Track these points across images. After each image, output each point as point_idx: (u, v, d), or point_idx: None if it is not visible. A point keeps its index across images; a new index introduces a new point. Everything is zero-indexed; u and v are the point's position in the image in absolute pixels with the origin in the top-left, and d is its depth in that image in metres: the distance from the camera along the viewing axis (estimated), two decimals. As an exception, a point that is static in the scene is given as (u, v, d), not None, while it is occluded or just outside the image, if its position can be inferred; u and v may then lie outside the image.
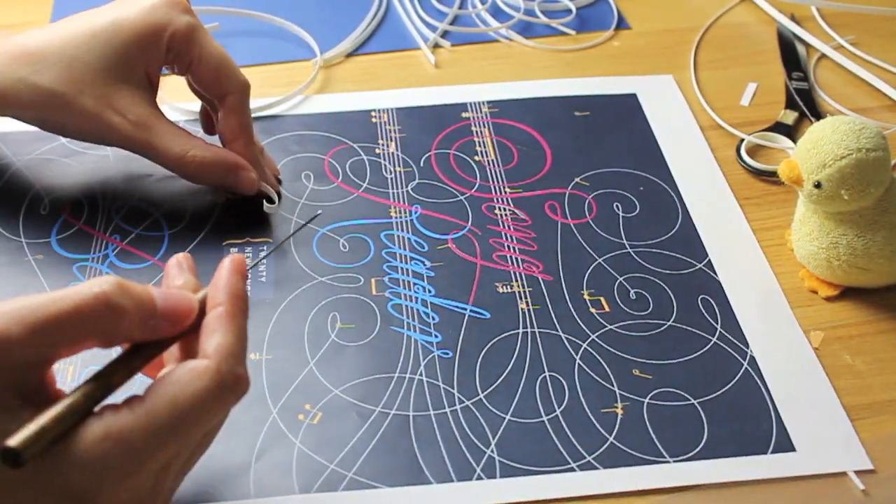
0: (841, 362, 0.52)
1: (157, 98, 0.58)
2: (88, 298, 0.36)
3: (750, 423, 0.49)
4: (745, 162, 0.65)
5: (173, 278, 0.43)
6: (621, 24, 0.79)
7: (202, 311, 0.41)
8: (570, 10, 0.79)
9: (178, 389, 0.37)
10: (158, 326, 0.39)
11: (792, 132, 0.68)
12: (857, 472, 0.47)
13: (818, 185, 0.53)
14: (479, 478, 0.46)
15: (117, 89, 0.54)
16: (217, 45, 0.57)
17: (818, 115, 0.69)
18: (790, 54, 0.75)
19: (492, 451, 0.47)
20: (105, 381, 0.38)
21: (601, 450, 0.48)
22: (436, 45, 0.76)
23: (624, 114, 0.69)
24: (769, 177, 0.64)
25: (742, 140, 0.67)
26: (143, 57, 0.55)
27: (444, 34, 0.77)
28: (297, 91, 0.69)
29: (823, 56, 0.75)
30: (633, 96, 0.70)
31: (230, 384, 0.38)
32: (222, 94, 0.57)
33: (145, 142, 0.55)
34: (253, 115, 0.60)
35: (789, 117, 0.69)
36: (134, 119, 0.54)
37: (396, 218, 0.60)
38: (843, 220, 0.54)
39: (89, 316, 0.36)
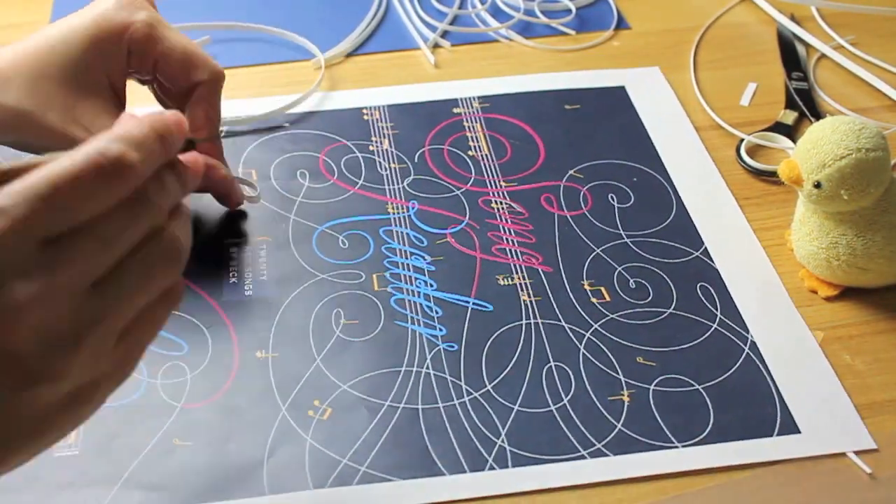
0: (841, 362, 0.53)
1: (129, 108, 0.55)
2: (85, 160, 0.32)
3: (754, 406, 0.50)
4: (744, 162, 0.65)
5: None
6: (621, 24, 0.79)
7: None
8: (569, 10, 0.79)
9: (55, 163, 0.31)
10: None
11: (792, 132, 0.68)
12: (863, 456, 0.47)
13: (818, 185, 0.53)
14: (492, 468, 0.47)
15: (81, 102, 0.52)
16: (181, 35, 0.55)
17: (818, 115, 0.69)
18: (790, 54, 0.75)
19: (502, 441, 0.48)
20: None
21: (610, 437, 0.48)
22: (436, 46, 0.76)
23: (613, 106, 0.69)
24: (769, 177, 0.64)
25: (742, 140, 0.67)
26: (103, 64, 0.53)
27: (444, 34, 0.77)
28: (307, 94, 0.69)
29: (823, 56, 0.75)
30: (622, 89, 0.71)
31: (116, 162, 0.32)
32: (191, 86, 0.55)
33: None
34: (257, 115, 0.59)
35: (789, 117, 0.69)
36: (99, 131, 0.51)
37: (394, 214, 0.60)
38: (843, 220, 0.54)
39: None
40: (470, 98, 0.69)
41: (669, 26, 0.79)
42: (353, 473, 0.46)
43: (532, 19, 0.78)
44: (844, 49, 0.76)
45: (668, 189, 0.62)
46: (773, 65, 0.75)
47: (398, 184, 0.62)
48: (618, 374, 0.51)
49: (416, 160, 0.64)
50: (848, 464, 0.48)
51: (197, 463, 0.46)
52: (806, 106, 0.70)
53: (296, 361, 0.52)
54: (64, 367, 0.31)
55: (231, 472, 0.46)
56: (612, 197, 0.62)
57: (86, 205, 0.31)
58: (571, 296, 0.55)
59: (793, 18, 0.79)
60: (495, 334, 0.53)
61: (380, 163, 0.64)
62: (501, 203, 0.61)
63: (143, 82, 0.58)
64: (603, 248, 0.58)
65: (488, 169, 0.64)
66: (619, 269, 0.57)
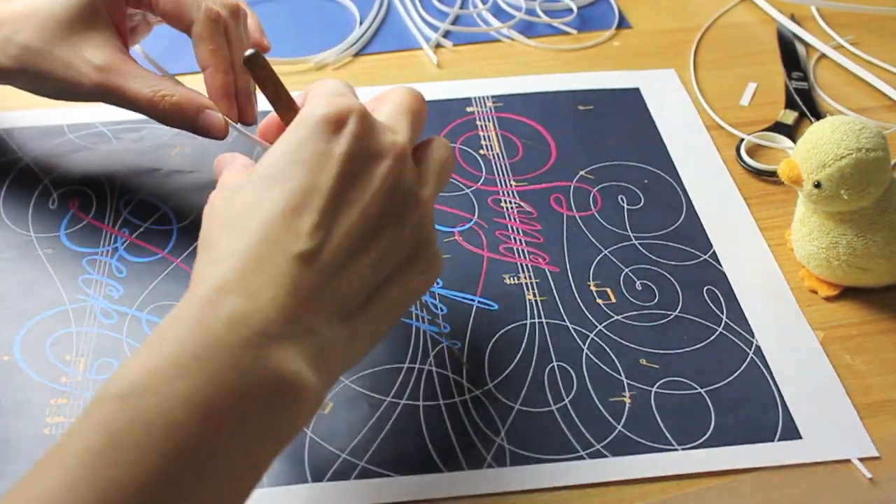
0: (841, 362, 0.53)
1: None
2: None
3: (756, 411, 0.50)
4: (744, 162, 0.65)
5: None
6: (622, 24, 0.79)
7: None
8: (571, 10, 0.79)
9: None
10: None
11: (792, 132, 0.68)
12: (863, 460, 0.48)
13: (818, 185, 0.53)
14: (490, 466, 0.47)
15: (85, 38, 0.56)
16: None
17: (818, 115, 0.69)
18: (790, 54, 0.76)
19: (501, 440, 0.48)
20: None
21: (610, 438, 0.48)
22: (437, 45, 0.76)
23: (627, 108, 0.69)
24: (769, 177, 0.64)
25: (742, 140, 0.67)
26: (104, 3, 0.56)
27: (446, 34, 0.77)
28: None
29: (823, 56, 0.76)
30: (636, 90, 0.71)
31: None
32: (188, 25, 0.56)
33: (115, 86, 0.55)
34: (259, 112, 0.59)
35: (789, 117, 0.69)
36: (101, 64, 0.55)
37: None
38: (843, 220, 0.54)
39: None
40: (483, 97, 0.70)
41: (670, 26, 0.79)
42: (351, 468, 0.47)
43: (533, 19, 0.79)
44: (844, 49, 0.76)
45: (678, 192, 0.62)
46: (773, 65, 0.75)
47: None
48: (620, 375, 0.51)
49: None
50: (849, 465, 0.48)
51: None
52: (806, 106, 0.70)
53: None
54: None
55: None
56: (621, 198, 0.62)
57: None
58: (577, 296, 0.56)
59: (793, 18, 0.79)
60: (499, 333, 0.53)
61: None
62: (511, 202, 0.61)
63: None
64: (611, 249, 0.58)
65: (499, 168, 0.64)
66: (627, 270, 0.57)
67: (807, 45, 0.77)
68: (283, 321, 0.37)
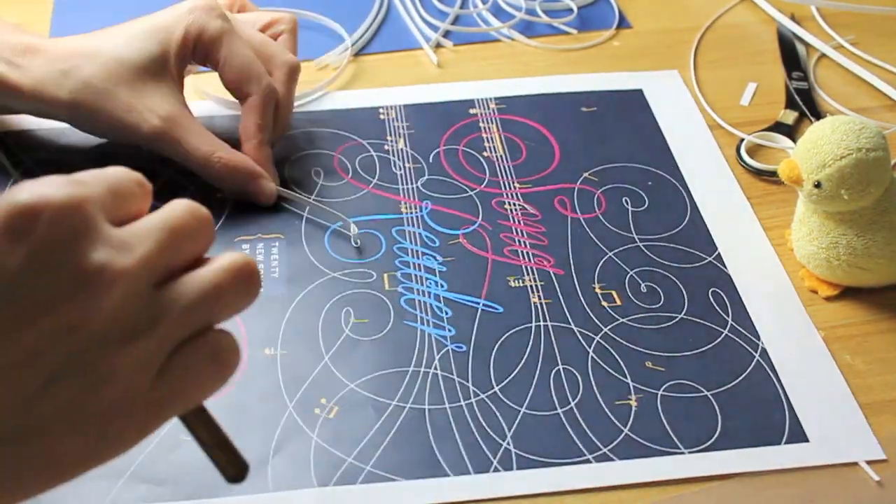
0: (841, 362, 0.53)
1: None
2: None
3: (763, 414, 0.50)
4: (745, 162, 0.65)
5: None
6: (622, 24, 0.79)
7: None
8: (571, 10, 0.79)
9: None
10: None
11: (792, 132, 0.68)
12: (870, 463, 0.48)
13: (818, 185, 0.53)
14: (496, 470, 0.47)
15: (150, 86, 0.57)
16: (245, 49, 0.59)
17: (818, 115, 0.69)
18: (790, 54, 0.76)
19: (508, 444, 0.48)
20: None
21: (616, 441, 0.48)
22: (437, 45, 0.76)
23: (630, 109, 0.69)
24: (769, 177, 0.64)
25: (742, 140, 0.67)
26: (176, 59, 0.58)
27: (446, 34, 0.77)
28: (323, 84, 0.70)
29: (823, 56, 0.76)
30: (639, 92, 0.71)
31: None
32: (244, 96, 0.59)
33: (175, 138, 0.57)
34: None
35: (789, 117, 0.69)
36: (164, 115, 0.57)
37: (407, 214, 0.60)
38: (843, 220, 0.54)
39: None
40: (487, 99, 0.69)
41: (670, 26, 0.79)
42: (357, 472, 0.47)
43: (534, 19, 0.79)
44: (844, 49, 0.76)
45: (682, 193, 0.62)
46: (773, 65, 0.75)
47: (412, 183, 0.62)
48: (626, 378, 0.51)
49: (430, 160, 0.64)
50: (855, 468, 0.48)
51: (202, 458, 0.46)
52: (806, 106, 0.70)
53: (304, 359, 0.52)
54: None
55: None
56: (626, 200, 0.62)
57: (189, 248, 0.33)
58: (582, 299, 0.55)
59: (793, 18, 0.79)
60: (504, 336, 0.53)
61: (394, 162, 0.64)
62: (515, 205, 0.61)
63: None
64: (615, 251, 0.58)
65: (503, 170, 0.64)
66: (631, 272, 0.57)
67: (807, 45, 0.77)
68: None
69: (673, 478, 0.47)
